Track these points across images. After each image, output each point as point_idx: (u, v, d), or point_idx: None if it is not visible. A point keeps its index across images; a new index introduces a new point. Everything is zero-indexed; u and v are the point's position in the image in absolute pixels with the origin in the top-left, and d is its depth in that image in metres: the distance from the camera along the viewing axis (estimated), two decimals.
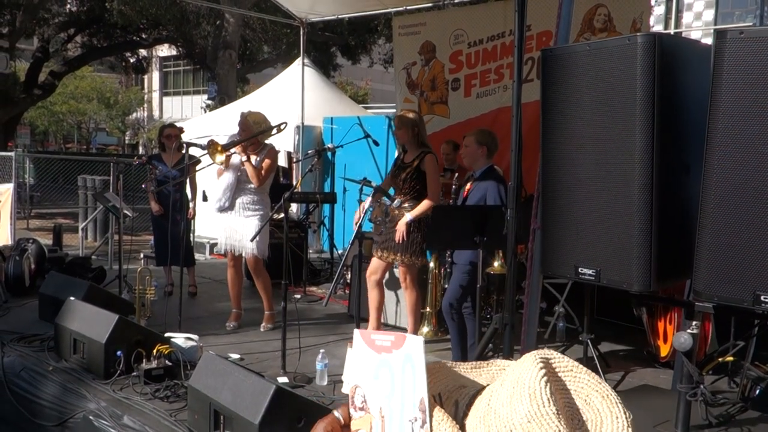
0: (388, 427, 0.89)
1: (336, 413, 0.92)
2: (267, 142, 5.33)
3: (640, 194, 2.42)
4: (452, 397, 0.86)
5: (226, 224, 5.25)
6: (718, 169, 2.25)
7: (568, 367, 0.81)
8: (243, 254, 5.24)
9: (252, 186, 5.15)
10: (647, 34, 2.53)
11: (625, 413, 0.75)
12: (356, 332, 0.94)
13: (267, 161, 5.18)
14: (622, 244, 2.48)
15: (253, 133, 5.07)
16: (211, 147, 4.81)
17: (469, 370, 0.89)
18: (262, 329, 5.31)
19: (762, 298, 2.16)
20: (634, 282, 2.47)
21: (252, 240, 4.94)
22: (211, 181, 5.36)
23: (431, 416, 0.80)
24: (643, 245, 2.42)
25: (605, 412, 0.75)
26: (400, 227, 4.69)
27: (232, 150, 5.03)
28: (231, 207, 5.20)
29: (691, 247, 2.37)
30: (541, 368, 0.77)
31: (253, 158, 5.13)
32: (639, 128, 2.40)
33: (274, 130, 5.06)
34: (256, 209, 5.19)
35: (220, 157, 4.86)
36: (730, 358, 3.22)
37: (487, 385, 0.86)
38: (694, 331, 2.51)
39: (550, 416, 0.71)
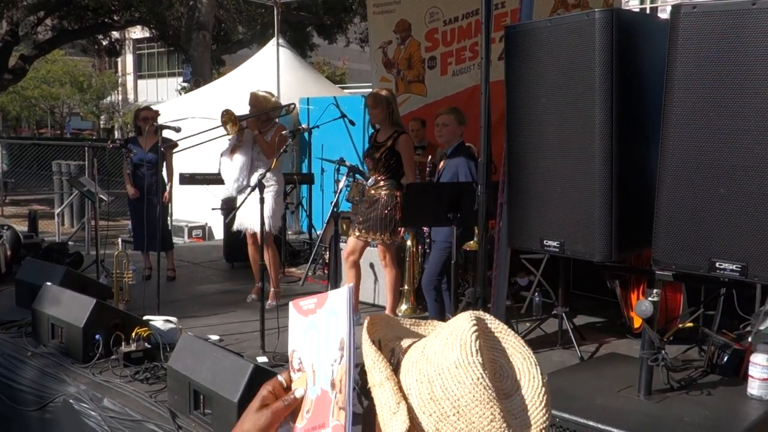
0: (317, 377, 0.96)
1: (279, 377, 0.97)
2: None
3: (601, 166, 2.48)
4: (389, 345, 0.94)
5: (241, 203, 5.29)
6: (674, 140, 2.31)
7: (498, 328, 0.89)
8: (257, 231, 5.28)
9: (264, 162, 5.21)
10: (605, 9, 2.57)
11: (541, 374, 0.85)
12: (290, 303, 1.01)
13: (277, 137, 5.25)
14: (585, 216, 2.54)
15: (264, 105, 5.19)
16: (225, 116, 4.84)
17: (408, 326, 0.97)
18: (267, 306, 5.26)
19: (717, 264, 2.23)
20: (597, 252, 2.53)
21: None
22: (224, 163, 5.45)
23: (351, 352, 0.86)
24: (605, 216, 2.49)
25: (524, 371, 0.85)
26: None
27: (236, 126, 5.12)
28: (248, 185, 5.24)
29: (651, 217, 2.44)
30: (474, 325, 0.84)
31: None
32: (599, 102, 2.45)
33: (283, 110, 5.15)
34: (270, 185, 5.19)
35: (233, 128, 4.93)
36: (690, 325, 3.32)
37: (423, 336, 0.95)
38: (655, 299, 2.58)
39: (475, 364, 0.80)
